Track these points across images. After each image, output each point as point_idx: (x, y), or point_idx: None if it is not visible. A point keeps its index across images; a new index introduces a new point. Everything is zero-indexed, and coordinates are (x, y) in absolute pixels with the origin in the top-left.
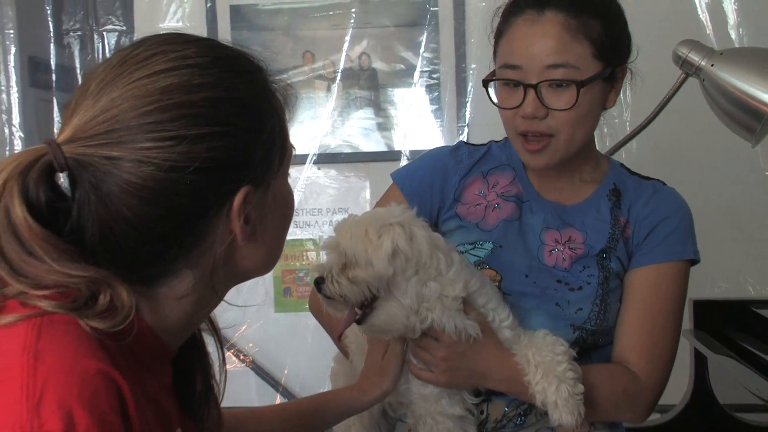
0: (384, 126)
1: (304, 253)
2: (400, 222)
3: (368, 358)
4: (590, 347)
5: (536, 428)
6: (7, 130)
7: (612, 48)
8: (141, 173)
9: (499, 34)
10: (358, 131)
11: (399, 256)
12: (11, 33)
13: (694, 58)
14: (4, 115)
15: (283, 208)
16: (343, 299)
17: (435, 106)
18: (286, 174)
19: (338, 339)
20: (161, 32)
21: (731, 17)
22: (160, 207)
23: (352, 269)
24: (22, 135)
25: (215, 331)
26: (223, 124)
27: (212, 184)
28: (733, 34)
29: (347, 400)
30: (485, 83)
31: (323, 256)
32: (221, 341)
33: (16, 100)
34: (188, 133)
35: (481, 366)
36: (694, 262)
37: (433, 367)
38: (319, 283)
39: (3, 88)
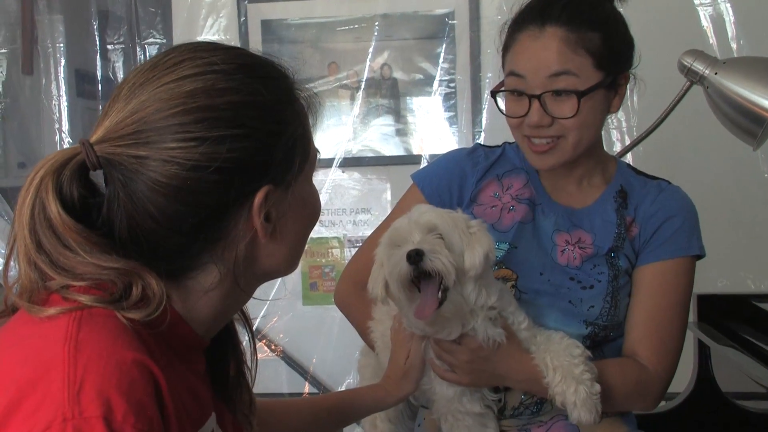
0: (403, 132)
1: (329, 250)
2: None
3: (391, 362)
4: (602, 341)
5: (551, 415)
6: (57, 137)
7: (612, 58)
8: (166, 172)
9: (506, 48)
10: (378, 137)
11: (488, 258)
12: (61, 47)
13: (699, 67)
14: (56, 123)
15: (305, 208)
16: (432, 278)
17: (451, 113)
18: (310, 176)
19: (428, 320)
20: None
21: (730, 29)
22: (183, 204)
23: (451, 252)
24: (70, 140)
25: (247, 321)
26: (244, 126)
27: (233, 182)
28: (733, 45)
29: (371, 400)
30: (493, 94)
31: (416, 235)
32: (253, 331)
33: (65, 109)
34: (210, 135)
35: (502, 368)
36: (700, 257)
37: (456, 369)
38: (415, 255)
39: (54, 98)
